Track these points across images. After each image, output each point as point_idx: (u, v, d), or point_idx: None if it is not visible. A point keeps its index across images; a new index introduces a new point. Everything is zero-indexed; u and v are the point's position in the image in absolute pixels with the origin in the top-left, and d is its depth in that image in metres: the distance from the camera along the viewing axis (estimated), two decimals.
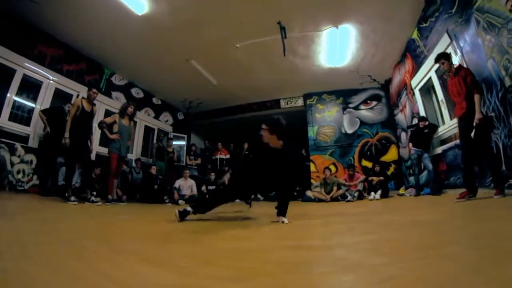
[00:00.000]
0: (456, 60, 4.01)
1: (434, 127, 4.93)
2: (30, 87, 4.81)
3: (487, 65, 3.26)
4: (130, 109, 4.77)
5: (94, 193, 4.44)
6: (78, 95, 5.26)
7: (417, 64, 5.28)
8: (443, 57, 3.26)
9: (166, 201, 5.99)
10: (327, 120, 8.10)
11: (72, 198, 3.89)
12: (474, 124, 2.92)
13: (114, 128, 4.69)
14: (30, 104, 4.87)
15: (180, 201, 5.81)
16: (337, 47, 5.83)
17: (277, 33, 5.32)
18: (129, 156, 6.55)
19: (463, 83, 3.01)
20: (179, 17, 4.78)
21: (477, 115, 2.88)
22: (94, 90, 4.39)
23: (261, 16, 4.95)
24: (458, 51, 3.79)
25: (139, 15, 4.59)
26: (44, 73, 4.88)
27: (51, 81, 4.94)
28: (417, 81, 5.34)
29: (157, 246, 1.37)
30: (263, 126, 2.46)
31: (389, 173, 6.96)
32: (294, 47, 5.84)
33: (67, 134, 4.02)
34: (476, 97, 2.91)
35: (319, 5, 4.65)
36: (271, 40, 5.62)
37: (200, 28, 5.16)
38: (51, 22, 4.80)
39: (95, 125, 4.88)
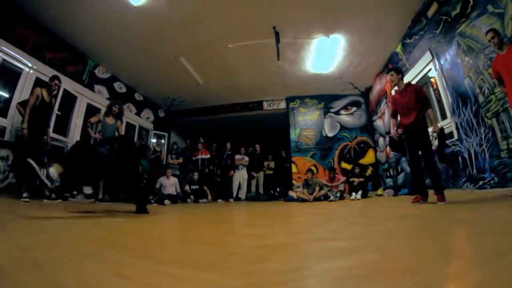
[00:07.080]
0: (434, 74, 4.50)
1: None
2: (7, 75, 4.33)
3: (464, 82, 3.73)
4: (115, 108, 4.45)
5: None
6: (59, 87, 4.88)
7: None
8: (394, 70, 3.37)
9: (152, 201, 5.79)
10: (309, 123, 8.45)
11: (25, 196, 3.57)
12: (435, 134, 3.23)
13: (99, 127, 4.67)
14: (4, 94, 4.42)
15: (166, 201, 5.67)
16: (325, 54, 6.13)
17: (269, 37, 5.45)
18: None
19: (413, 98, 3.14)
20: (176, 12, 4.67)
21: (435, 128, 3.19)
22: (56, 81, 4.05)
23: (257, 19, 5.04)
24: (438, 67, 4.25)
25: (134, 5, 4.41)
26: (25, 60, 4.38)
27: (31, 71, 4.46)
28: None
29: (190, 249, 1.29)
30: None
31: (367, 174, 7.46)
32: (284, 51, 6.00)
33: (25, 125, 3.71)
34: (431, 112, 3.17)
35: (315, 15, 4.88)
36: (262, 43, 5.74)
37: (196, 25, 5.10)
38: (36, 3, 4.34)
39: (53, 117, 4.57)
